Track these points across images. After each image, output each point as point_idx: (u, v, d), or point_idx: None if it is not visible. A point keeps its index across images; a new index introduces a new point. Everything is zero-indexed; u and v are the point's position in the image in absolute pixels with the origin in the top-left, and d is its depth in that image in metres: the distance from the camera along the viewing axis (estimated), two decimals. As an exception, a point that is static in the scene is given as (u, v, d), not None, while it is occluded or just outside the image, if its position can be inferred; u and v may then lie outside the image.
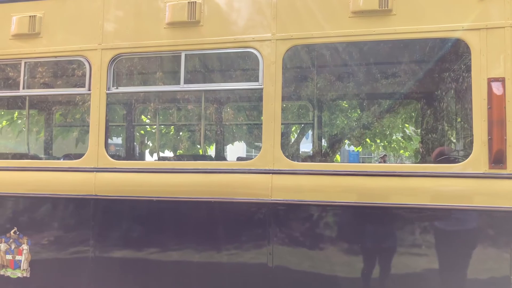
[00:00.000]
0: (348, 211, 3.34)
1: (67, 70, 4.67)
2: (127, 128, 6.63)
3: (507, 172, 3.08)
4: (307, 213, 3.39)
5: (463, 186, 3.20)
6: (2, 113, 9.73)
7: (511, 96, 3.09)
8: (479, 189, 3.16)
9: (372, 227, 3.33)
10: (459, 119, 4.47)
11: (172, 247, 3.61)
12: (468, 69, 3.29)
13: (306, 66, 4.82)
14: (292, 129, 10.39)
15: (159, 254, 3.64)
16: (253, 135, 8.58)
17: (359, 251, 3.34)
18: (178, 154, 8.32)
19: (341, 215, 3.38)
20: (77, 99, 5.99)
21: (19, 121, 9.83)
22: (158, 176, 3.65)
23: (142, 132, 9.36)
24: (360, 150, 13.29)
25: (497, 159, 3.09)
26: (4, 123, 9.77)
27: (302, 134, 9.85)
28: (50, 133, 6.77)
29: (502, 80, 3.10)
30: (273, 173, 3.42)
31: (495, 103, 3.09)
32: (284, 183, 3.41)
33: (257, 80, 3.54)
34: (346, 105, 8.99)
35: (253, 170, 3.47)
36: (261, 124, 3.54)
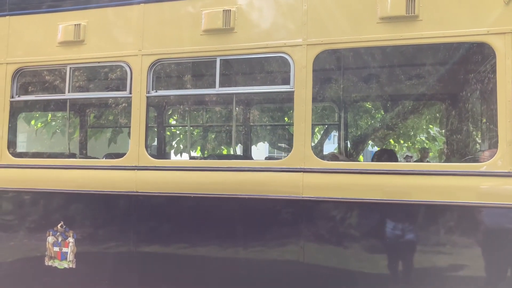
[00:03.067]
0: (375, 208, 3.50)
1: (107, 75, 4.95)
2: (159, 129, 6.91)
3: (531, 171, 3.21)
4: (337, 210, 3.57)
5: (488, 184, 3.34)
6: (37, 115, 10.18)
7: (535, 97, 3.21)
8: (504, 187, 3.29)
9: (398, 223, 3.48)
10: (484, 120, 4.57)
11: (209, 243, 3.83)
12: (493, 71, 3.41)
13: (335, 69, 5.00)
14: (316, 130, 10.55)
15: (194, 249, 3.87)
16: (276, 135, 8.78)
17: (385, 248, 3.50)
18: (215, 154, 8.58)
19: (367, 212, 3.55)
20: (109, 102, 6.30)
21: (53, 123, 10.26)
22: (194, 174, 3.88)
23: (178, 132, 9.69)
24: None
25: (521, 158, 3.21)
26: (39, 125, 10.21)
27: (326, 135, 10.01)
28: (85, 134, 7.10)
29: (528, 83, 3.22)
30: (304, 171, 3.61)
31: (519, 104, 3.21)
32: (315, 181, 3.59)
33: (288, 83, 3.73)
34: (370, 106, 9.10)
35: (285, 169, 3.67)
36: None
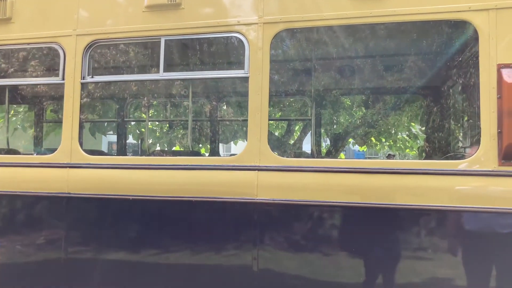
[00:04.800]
0: (340, 212, 3.03)
1: (41, 59, 4.39)
2: (119, 124, 6.34)
3: (519, 169, 2.75)
4: (296, 214, 3.08)
5: (469, 185, 2.88)
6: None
7: (523, 84, 2.75)
8: (487, 188, 2.83)
9: (368, 228, 3.01)
10: (466, 112, 4.12)
11: (149, 249, 3.32)
12: (476, 55, 2.95)
13: (299, 54, 4.50)
14: (296, 128, 10.09)
15: (134, 256, 3.35)
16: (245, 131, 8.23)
17: (349, 253, 3.03)
18: (163, 150, 8.04)
19: (330, 216, 3.07)
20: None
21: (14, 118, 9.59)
22: (134, 172, 3.36)
23: (141, 127, 9.10)
24: (365, 149, 12.95)
25: (507, 155, 2.75)
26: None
27: (304, 132, 9.55)
28: (40, 129, 6.50)
29: (513, 67, 2.77)
30: (259, 169, 3.12)
31: (505, 91, 2.75)
32: (272, 180, 3.10)
33: (243, 68, 3.23)
34: (348, 101, 8.65)
35: (237, 167, 3.17)
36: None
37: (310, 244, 3.09)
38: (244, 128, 7.58)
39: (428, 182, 2.90)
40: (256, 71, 3.15)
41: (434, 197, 2.86)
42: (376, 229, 2.99)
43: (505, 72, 2.76)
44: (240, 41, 3.25)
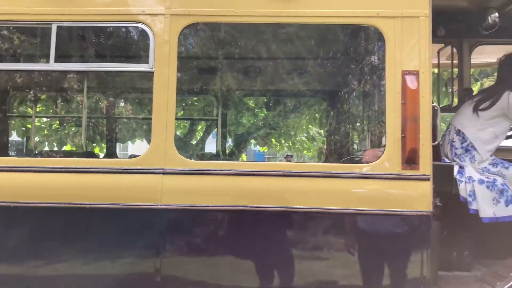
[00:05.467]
0: (245, 217, 2.91)
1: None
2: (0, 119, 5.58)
3: (420, 173, 2.86)
4: (201, 219, 2.90)
5: (373, 188, 2.93)
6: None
7: (424, 91, 2.87)
8: (390, 192, 2.91)
9: (273, 233, 2.93)
10: (371, 117, 4.26)
11: (43, 259, 2.90)
12: (382, 60, 3.02)
13: (208, 50, 4.31)
14: (199, 128, 9.88)
15: (17, 268, 2.91)
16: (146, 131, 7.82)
17: (248, 257, 2.93)
18: (52, 150, 7.34)
19: (238, 220, 2.94)
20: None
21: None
22: (13, 175, 2.91)
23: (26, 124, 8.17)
24: (266, 150, 13.17)
25: (410, 159, 2.85)
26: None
27: (208, 132, 9.37)
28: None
29: (416, 74, 2.87)
30: (164, 173, 2.87)
31: (409, 97, 2.85)
32: (178, 185, 2.88)
33: (147, 62, 2.96)
34: (252, 103, 8.68)
35: (139, 170, 2.89)
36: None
37: (214, 250, 2.93)
38: (145, 127, 7.19)
39: (332, 186, 2.90)
40: (162, 66, 2.91)
41: (334, 200, 2.86)
42: (277, 233, 2.92)
43: (409, 78, 2.86)
44: (145, 32, 2.97)
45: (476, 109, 3.71)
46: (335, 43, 4.07)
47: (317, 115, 8.59)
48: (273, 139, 11.05)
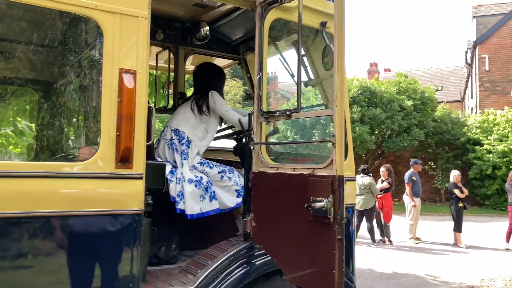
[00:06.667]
0: None
1: None
2: None
3: (133, 172, 2.88)
4: None
5: (84, 188, 2.78)
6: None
7: (141, 90, 2.91)
8: (104, 191, 2.83)
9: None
10: (86, 113, 4.02)
11: None
12: (100, 55, 2.90)
13: None
14: None
15: None
16: None
17: None
18: None
19: None
20: None
21: None
22: None
23: None
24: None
25: (124, 158, 2.83)
26: None
27: None
28: None
29: (133, 73, 2.87)
30: None
31: (125, 96, 2.82)
32: None
33: None
34: None
35: None
36: None
37: None
38: None
39: (39, 187, 2.62)
40: None
41: (42, 202, 2.61)
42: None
43: (126, 77, 2.84)
44: None
45: (191, 109, 4.16)
46: (51, 29, 3.67)
47: (27, 106, 7.68)
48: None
